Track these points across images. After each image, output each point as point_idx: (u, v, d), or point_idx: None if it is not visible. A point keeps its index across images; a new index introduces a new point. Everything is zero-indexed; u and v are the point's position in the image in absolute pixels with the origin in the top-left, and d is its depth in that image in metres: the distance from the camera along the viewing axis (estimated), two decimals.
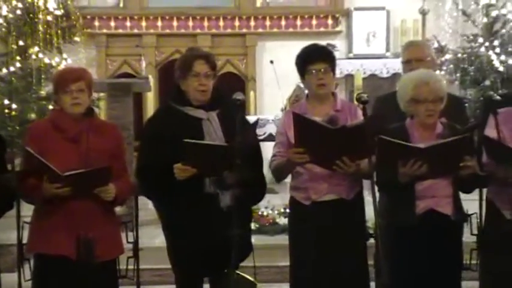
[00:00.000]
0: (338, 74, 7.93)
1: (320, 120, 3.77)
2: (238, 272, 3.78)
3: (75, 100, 3.64)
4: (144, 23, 10.23)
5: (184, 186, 3.63)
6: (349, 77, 9.65)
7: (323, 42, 4.14)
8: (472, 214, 4.26)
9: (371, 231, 4.27)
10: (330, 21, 10.34)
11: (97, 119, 3.85)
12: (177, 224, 3.80)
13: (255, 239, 6.39)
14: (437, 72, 8.79)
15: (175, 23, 10.25)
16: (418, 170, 3.59)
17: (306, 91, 4.23)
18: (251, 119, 4.70)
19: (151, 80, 9.10)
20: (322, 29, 10.29)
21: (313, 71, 3.90)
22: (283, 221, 6.67)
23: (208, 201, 3.71)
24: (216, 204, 3.71)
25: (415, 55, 4.47)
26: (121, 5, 10.25)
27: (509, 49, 9.07)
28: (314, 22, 10.33)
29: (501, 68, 8.84)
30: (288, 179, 4.14)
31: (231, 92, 3.73)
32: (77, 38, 9.40)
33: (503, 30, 9.28)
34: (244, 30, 10.33)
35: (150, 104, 9.74)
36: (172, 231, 3.88)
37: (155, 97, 9.87)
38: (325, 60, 3.94)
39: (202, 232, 3.67)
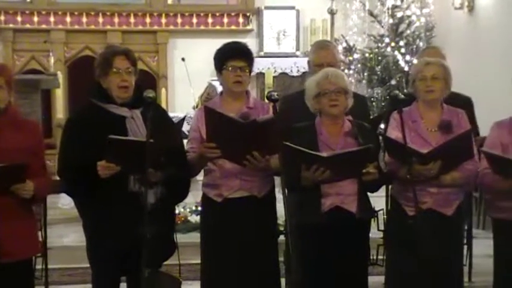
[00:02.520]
0: None
1: (233, 115, 3.81)
2: (160, 270, 3.76)
3: None
4: (52, 19, 10.02)
5: (108, 184, 3.59)
6: (260, 75, 9.74)
7: (234, 40, 4.17)
8: (379, 210, 4.39)
9: (282, 229, 4.34)
10: (241, 20, 10.41)
11: (18, 115, 3.77)
12: (100, 223, 3.75)
13: None
14: (346, 71, 9.01)
15: (84, 19, 10.08)
16: (321, 175, 3.68)
17: (219, 89, 4.25)
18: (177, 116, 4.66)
19: (60, 77, 8.91)
20: (233, 27, 10.36)
21: (232, 68, 3.94)
22: (195, 218, 6.69)
23: (132, 200, 3.67)
24: (140, 203, 3.69)
25: (327, 60, 4.49)
26: None
27: (414, 49, 9.35)
28: (225, 20, 10.38)
29: (406, 68, 9.10)
30: (200, 177, 4.15)
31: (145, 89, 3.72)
32: None
33: (408, 31, 9.59)
34: (155, 27, 10.29)
35: (59, 100, 9.54)
36: (94, 229, 3.82)
37: (64, 94, 9.67)
38: (244, 58, 3.99)
39: (125, 231, 3.63)
